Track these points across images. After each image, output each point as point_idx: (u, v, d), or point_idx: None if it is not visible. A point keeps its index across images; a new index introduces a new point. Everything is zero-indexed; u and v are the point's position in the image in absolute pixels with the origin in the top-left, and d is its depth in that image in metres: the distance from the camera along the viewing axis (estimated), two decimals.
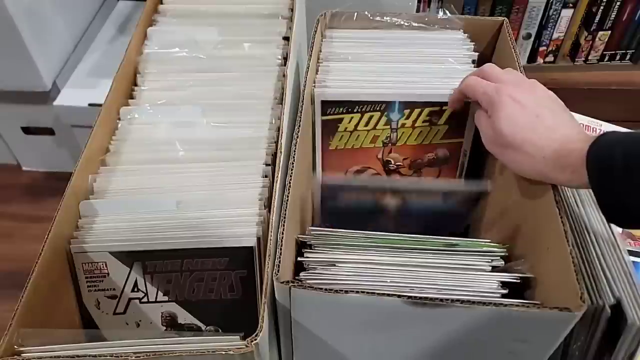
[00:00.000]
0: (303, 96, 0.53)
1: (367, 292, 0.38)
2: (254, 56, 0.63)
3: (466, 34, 0.61)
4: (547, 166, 0.42)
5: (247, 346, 0.37)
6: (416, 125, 0.57)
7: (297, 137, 0.48)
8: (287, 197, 0.44)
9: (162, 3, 0.70)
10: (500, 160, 0.46)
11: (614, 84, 1.31)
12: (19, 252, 1.13)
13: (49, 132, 1.23)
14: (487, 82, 0.48)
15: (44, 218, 0.51)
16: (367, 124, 0.56)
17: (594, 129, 0.71)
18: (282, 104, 0.57)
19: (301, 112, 0.51)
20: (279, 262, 0.40)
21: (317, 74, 0.56)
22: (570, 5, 1.22)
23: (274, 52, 0.63)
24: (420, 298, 0.38)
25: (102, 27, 1.23)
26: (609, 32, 1.26)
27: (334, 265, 0.44)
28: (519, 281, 0.43)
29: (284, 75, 0.60)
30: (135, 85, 0.62)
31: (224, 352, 0.37)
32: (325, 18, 0.61)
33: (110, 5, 1.28)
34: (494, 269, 0.45)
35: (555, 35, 1.28)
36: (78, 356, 0.37)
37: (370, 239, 0.47)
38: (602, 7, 1.22)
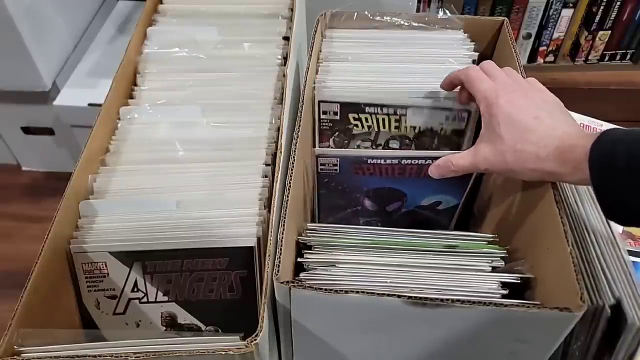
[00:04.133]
0: (303, 96, 0.53)
1: (367, 293, 0.38)
2: (254, 56, 0.63)
3: (466, 34, 0.61)
4: (549, 162, 0.42)
5: (247, 346, 0.37)
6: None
7: (297, 137, 0.48)
8: (287, 197, 0.44)
9: (162, 3, 0.70)
10: (504, 169, 0.45)
11: (614, 84, 1.31)
12: (18, 252, 1.13)
13: (49, 132, 1.23)
14: (488, 83, 0.47)
15: (44, 218, 0.51)
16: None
17: (594, 129, 0.71)
18: (282, 104, 0.57)
19: (301, 112, 0.51)
20: (279, 262, 0.40)
21: (317, 74, 0.56)
22: (571, 5, 1.22)
23: (274, 52, 0.63)
24: (420, 298, 0.38)
25: (102, 27, 1.23)
26: (609, 32, 1.26)
27: (334, 266, 0.44)
28: (519, 281, 0.43)
29: (284, 75, 0.60)
30: (135, 85, 0.62)
31: (223, 352, 0.37)
32: (325, 18, 0.61)
33: (110, 5, 1.28)
34: (494, 269, 0.45)
35: (555, 35, 1.28)
36: (78, 356, 0.37)
37: (370, 239, 0.47)
38: (602, 7, 1.22)
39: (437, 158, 0.50)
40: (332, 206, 0.56)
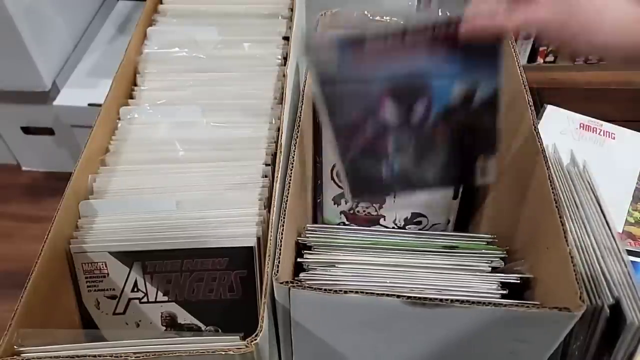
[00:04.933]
0: (303, 96, 0.53)
1: (366, 293, 0.38)
2: (254, 56, 0.63)
3: None
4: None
5: (247, 346, 0.37)
6: None
7: (297, 137, 0.48)
8: (287, 197, 0.44)
9: (161, 3, 0.70)
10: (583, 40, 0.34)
11: (613, 84, 1.31)
12: (18, 252, 1.13)
13: (49, 132, 1.23)
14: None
15: (44, 218, 0.51)
16: None
17: (594, 129, 0.71)
18: (282, 103, 0.57)
19: (301, 112, 0.51)
20: (279, 262, 0.40)
21: None
22: None
23: (274, 52, 0.63)
24: (420, 298, 0.38)
25: (102, 27, 1.23)
26: None
27: (334, 266, 0.44)
28: (518, 281, 0.43)
29: (284, 75, 0.60)
30: (135, 85, 0.62)
31: (223, 353, 0.37)
32: (325, 17, 0.61)
33: (110, 5, 1.28)
34: (494, 269, 0.45)
35: None
36: (78, 356, 0.37)
37: (369, 240, 0.47)
38: None
39: (446, 21, 0.41)
40: (347, 134, 0.46)
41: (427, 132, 0.47)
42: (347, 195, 0.50)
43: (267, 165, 0.53)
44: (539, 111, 0.71)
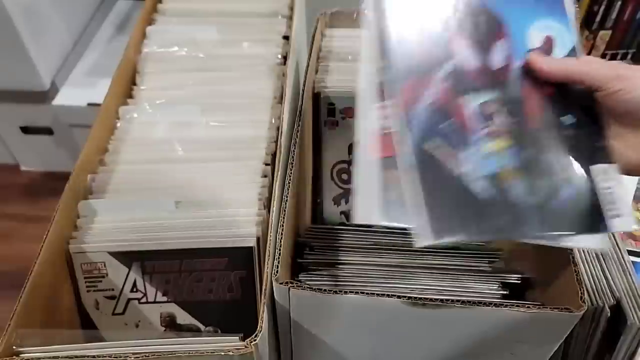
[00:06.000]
0: (303, 95, 0.52)
1: (367, 293, 0.38)
2: (254, 55, 0.63)
3: None
4: None
5: (246, 347, 0.37)
6: None
7: (297, 137, 0.48)
8: (287, 197, 0.44)
9: (161, 2, 0.70)
10: None
11: None
12: (17, 252, 1.13)
13: (48, 131, 1.23)
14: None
15: (43, 218, 0.51)
16: None
17: None
18: (281, 103, 0.57)
19: (301, 112, 0.51)
20: (278, 262, 0.40)
21: (316, 73, 0.56)
22: None
23: (274, 51, 0.63)
24: (420, 299, 0.38)
25: (101, 26, 1.22)
26: (610, 31, 1.26)
27: (334, 266, 0.44)
28: (519, 282, 0.43)
29: (283, 75, 0.60)
30: (134, 84, 0.61)
31: (223, 353, 0.37)
32: (325, 17, 0.61)
33: (109, 4, 1.27)
34: (494, 269, 0.45)
35: None
36: (77, 357, 0.37)
37: (369, 240, 0.46)
38: (603, 6, 1.22)
39: None
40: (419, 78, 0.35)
41: (516, 95, 0.35)
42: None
43: (267, 165, 0.53)
44: None
